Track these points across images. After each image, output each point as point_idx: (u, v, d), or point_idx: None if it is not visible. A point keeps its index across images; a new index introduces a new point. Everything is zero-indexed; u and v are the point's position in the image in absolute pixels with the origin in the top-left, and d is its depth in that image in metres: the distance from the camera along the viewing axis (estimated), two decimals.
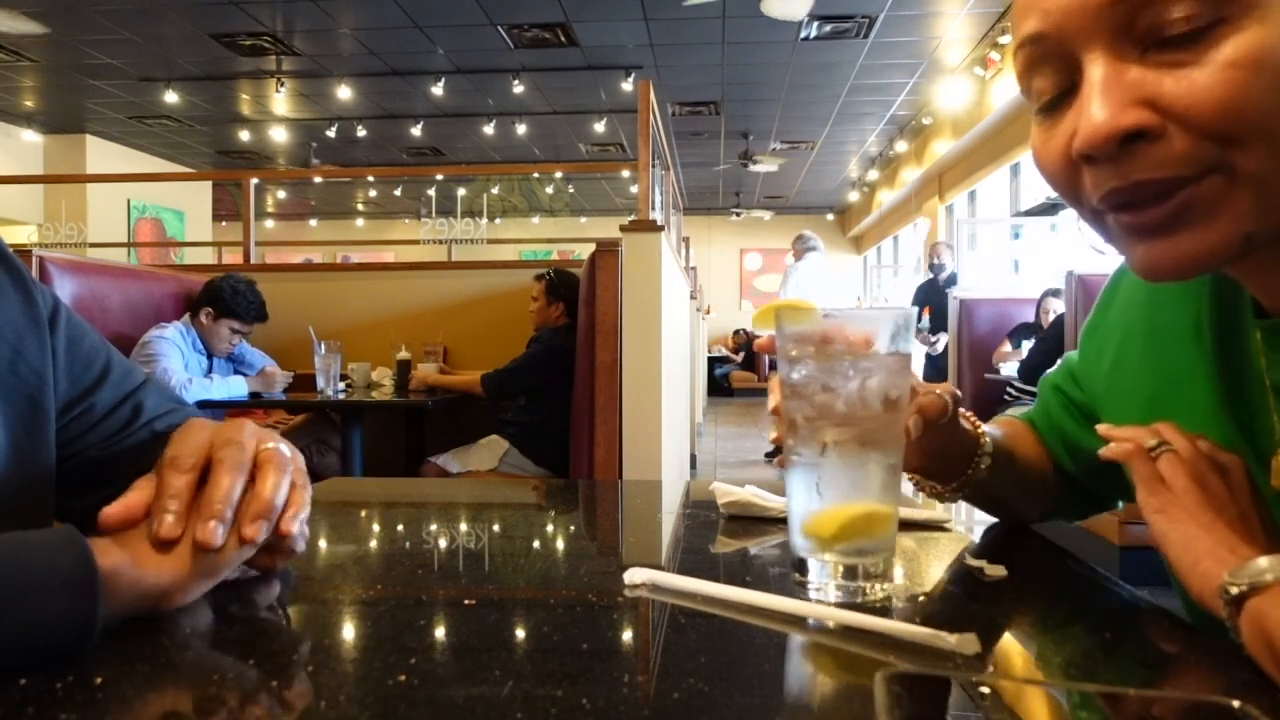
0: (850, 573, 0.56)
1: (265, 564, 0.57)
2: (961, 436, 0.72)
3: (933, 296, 6.77)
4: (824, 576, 0.57)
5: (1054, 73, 0.51)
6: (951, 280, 6.75)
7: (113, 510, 0.51)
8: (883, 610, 0.56)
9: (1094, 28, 0.47)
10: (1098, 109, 0.47)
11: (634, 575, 0.58)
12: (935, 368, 6.81)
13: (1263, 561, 0.48)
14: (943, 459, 0.73)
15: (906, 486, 0.80)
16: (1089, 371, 0.76)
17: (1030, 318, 4.90)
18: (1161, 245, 0.49)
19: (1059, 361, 0.83)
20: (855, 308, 0.63)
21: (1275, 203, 0.47)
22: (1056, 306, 4.67)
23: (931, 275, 6.96)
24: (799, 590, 0.58)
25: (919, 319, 6.77)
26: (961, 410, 0.72)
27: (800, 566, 0.58)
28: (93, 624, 0.44)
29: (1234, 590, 0.48)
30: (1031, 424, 0.84)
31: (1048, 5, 0.49)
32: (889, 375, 0.57)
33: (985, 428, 0.74)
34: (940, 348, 6.59)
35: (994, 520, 0.82)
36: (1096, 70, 0.47)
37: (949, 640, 0.46)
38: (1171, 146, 0.46)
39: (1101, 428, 0.61)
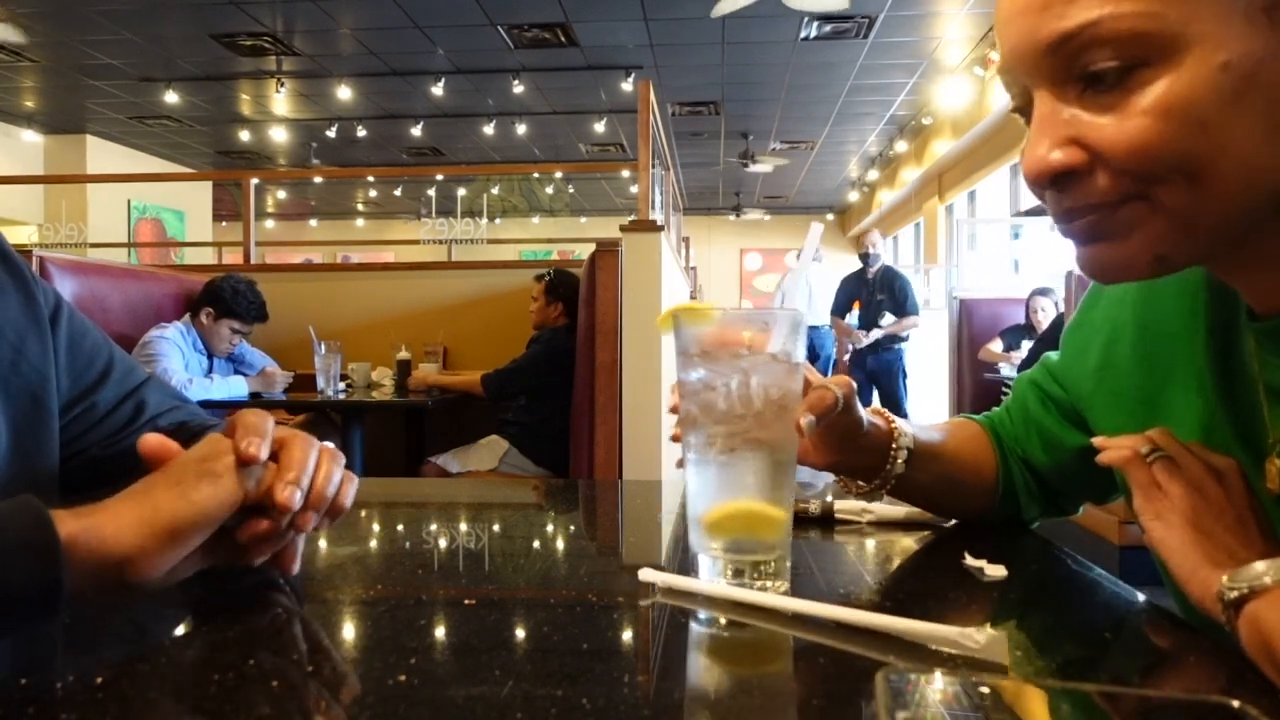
0: (739, 572, 0.57)
1: (262, 528, 0.53)
2: (872, 431, 0.73)
3: (861, 290, 6.15)
4: (714, 574, 0.58)
5: (1019, 96, 0.55)
6: (887, 273, 6.09)
7: (151, 438, 0.54)
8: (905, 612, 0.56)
9: (1037, 70, 0.51)
10: (1035, 146, 0.51)
11: (647, 575, 0.58)
12: (865, 370, 6.05)
13: (1260, 565, 0.48)
14: (854, 454, 0.73)
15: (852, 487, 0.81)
16: (1071, 370, 0.75)
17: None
18: (1088, 251, 0.54)
19: (1039, 360, 0.83)
20: (755, 309, 0.64)
21: (1192, 232, 0.50)
22: (1044, 305, 4.67)
23: (861, 266, 6.19)
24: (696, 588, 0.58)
25: (845, 313, 6.18)
26: (875, 407, 0.75)
27: (694, 561, 0.59)
28: (58, 588, 0.44)
29: (1232, 594, 0.48)
30: (989, 423, 0.84)
31: (1004, 48, 0.53)
32: (774, 375, 0.58)
33: (904, 425, 0.75)
34: (866, 343, 5.99)
35: (994, 520, 0.82)
36: (1041, 107, 0.52)
37: (977, 640, 0.45)
38: (1096, 182, 0.50)
39: (1098, 440, 0.61)
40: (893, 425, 0.74)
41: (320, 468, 0.56)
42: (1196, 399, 0.62)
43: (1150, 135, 0.47)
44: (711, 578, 0.58)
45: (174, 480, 0.51)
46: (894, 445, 0.74)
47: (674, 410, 0.64)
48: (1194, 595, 0.53)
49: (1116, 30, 0.46)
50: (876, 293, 6.03)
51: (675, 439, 0.63)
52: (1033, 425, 0.79)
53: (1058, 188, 0.52)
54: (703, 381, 0.58)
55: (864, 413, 0.71)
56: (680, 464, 0.63)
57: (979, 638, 0.45)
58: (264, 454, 0.53)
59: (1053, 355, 0.80)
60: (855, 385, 0.68)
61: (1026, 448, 0.80)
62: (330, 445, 0.59)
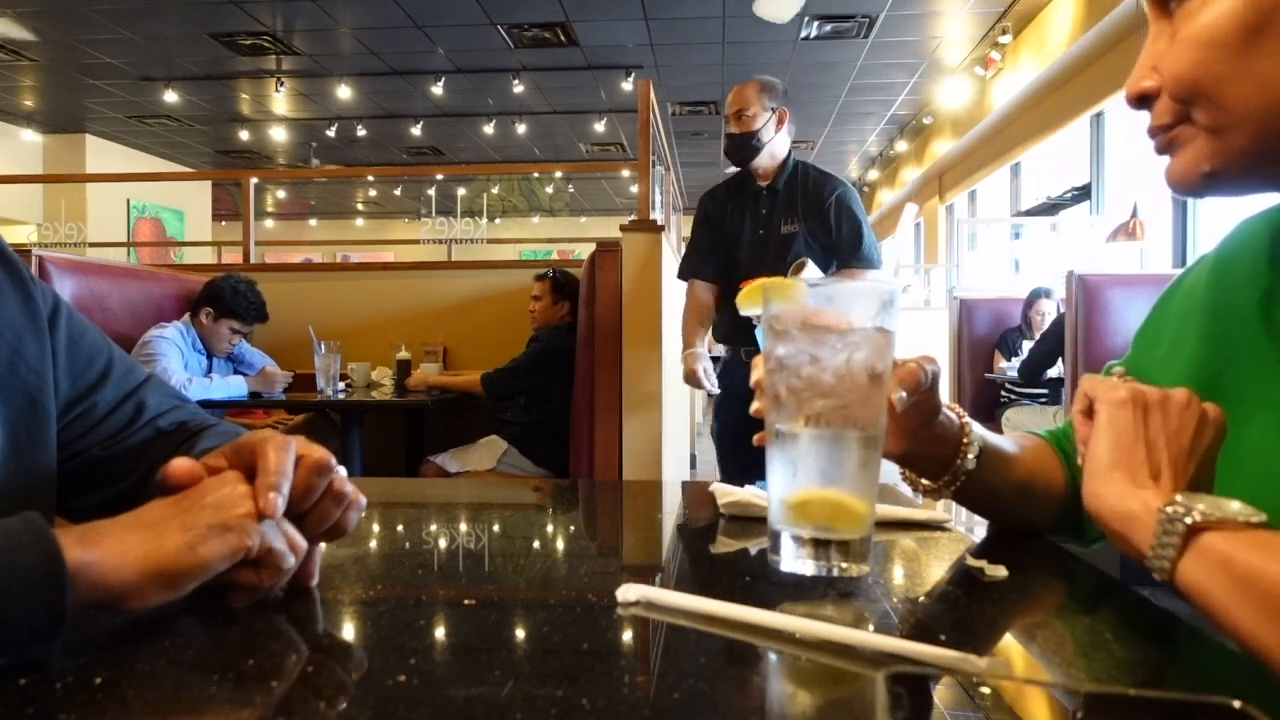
0: (824, 549, 0.57)
1: (250, 580, 0.53)
2: (945, 422, 0.71)
3: (740, 215, 2.68)
4: (798, 552, 0.57)
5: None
6: (805, 176, 2.64)
7: (181, 466, 0.54)
8: (893, 625, 0.56)
9: None
10: (1135, 70, 0.58)
11: (627, 592, 0.55)
12: (737, 397, 2.64)
13: (1234, 505, 0.49)
14: (926, 443, 0.71)
15: (899, 483, 0.80)
16: (1140, 362, 0.74)
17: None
18: (1166, 165, 0.59)
19: (1103, 368, 0.81)
20: (848, 282, 0.63)
21: (1229, 151, 0.54)
22: (1046, 308, 4.61)
23: (736, 164, 2.69)
24: (775, 565, 0.58)
25: (705, 272, 2.72)
26: (947, 403, 0.72)
27: (775, 541, 0.58)
28: (60, 619, 0.44)
29: (1195, 519, 0.49)
30: (1053, 439, 0.82)
31: None
32: (872, 350, 0.57)
33: (980, 430, 0.74)
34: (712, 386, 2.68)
35: (1046, 532, 0.80)
36: (1150, 33, 0.58)
37: (978, 665, 0.45)
38: (1166, 103, 0.57)
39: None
40: (964, 419, 0.73)
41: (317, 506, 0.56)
42: (1260, 377, 0.61)
43: (1182, 63, 0.54)
44: (794, 554, 0.57)
45: (186, 525, 0.50)
46: (965, 439, 0.72)
47: (757, 386, 0.63)
48: (1094, 485, 0.55)
49: None
50: (782, 217, 2.61)
51: (757, 414, 0.63)
52: None
53: (1146, 108, 0.58)
54: (805, 355, 0.58)
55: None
56: (759, 439, 0.62)
57: (980, 663, 0.45)
58: (282, 506, 0.53)
59: (1116, 363, 0.78)
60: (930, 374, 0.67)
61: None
62: (333, 468, 0.58)
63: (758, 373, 0.63)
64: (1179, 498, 0.50)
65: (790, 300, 0.59)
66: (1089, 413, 0.59)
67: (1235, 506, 0.49)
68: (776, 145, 2.64)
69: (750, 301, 0.63)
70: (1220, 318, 0.66)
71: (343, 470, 0.58)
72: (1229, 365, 0.64)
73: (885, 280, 2.08)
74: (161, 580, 0.48)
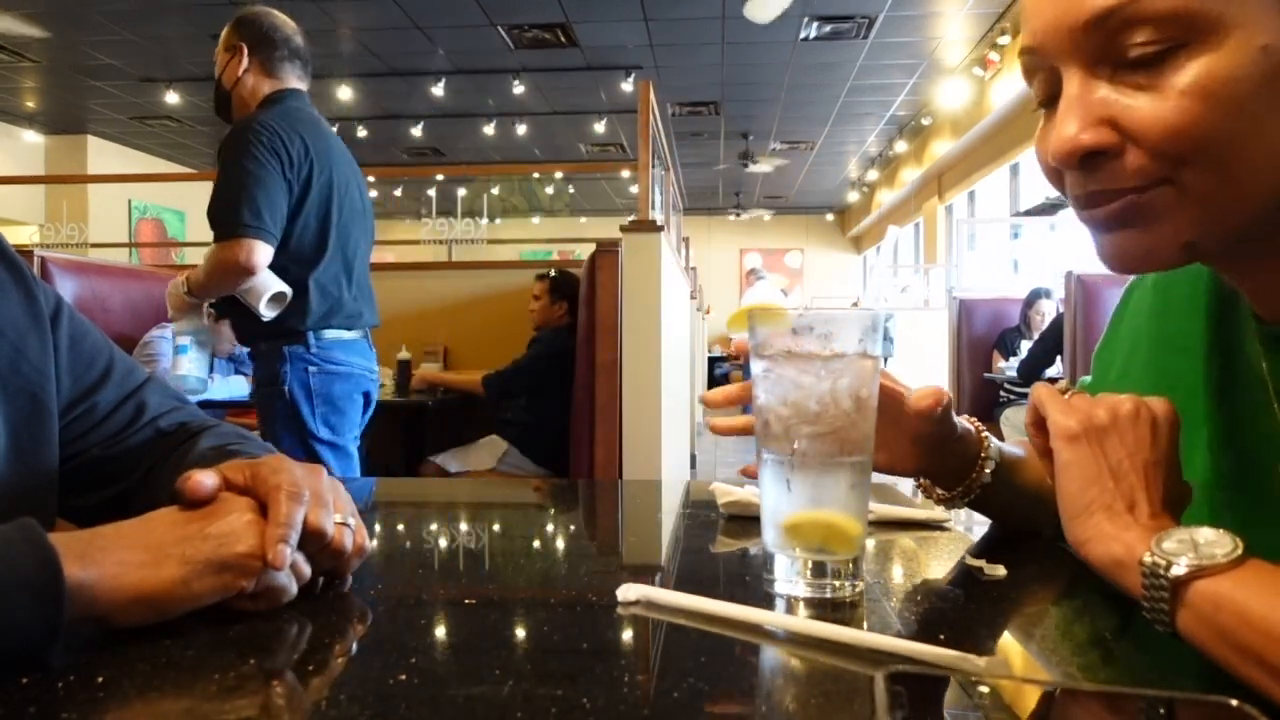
0: (819, 570, 0.57)
1: (246, 607, 0.53)
2: (963, 437, 0.73)
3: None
4: (793, 573, 0.58)
5: (1044, 80, 0.54)
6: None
7: (197, 481, 0.53)
8: (892, 625, 0.56)
9: (1071, 49, 0.50)
10: (1064, 125, 0.51)
11: (627, 592, 0.55)
12: None
13: (1208, 533, 0.47)
14: (944, 458, 0.73)
15: (898, 483, 0.80)
16: (1098, 387, 0.75)
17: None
18: (1113, 239, 0.53)
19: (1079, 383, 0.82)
20: (824, 310, 0.63)
21: (1218, 217, 0.49)
22: (1045, 308, 4.61)
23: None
24: (770, 588, 0.58)
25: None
26: (969, 417, 0.74)
27: (769, 563, 0.59)
28: (57, 630, 0.44)
29: (1177, 572, 0.46)
30: None
31: (1035, 25, 0.53)
32: (858, 376, 0.58)
33: (996, 442, 0.75)
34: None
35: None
36: (1070, 87, 0.51)
37: (978, 664, 0.45)
38: (1126, 162, 0.50)
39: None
40: (983, 436, 0.74)
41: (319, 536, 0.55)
42: (1198, 409, 0.62)
43: (1186, 116, 0.47)
44: (790, 577, 0.58)
45: (186, 556, 0.50)
46: (983, 454, 0.73)
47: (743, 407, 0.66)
48: (1074, 535, 0.54)
49: (1158, 8, 0.46)
50: None
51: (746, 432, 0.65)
52: None
53: (1085, 169, 0.51)
54: (790, 383, 0.58)
55: (960, 419, 0.73)
56: (744, 471, 0.64)
57: (980, 662, 0.45)
58: (289, 557, 0.52)
59: (1087, 379, 0.79)
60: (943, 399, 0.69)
61: None
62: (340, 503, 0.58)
63: (734, 390, 0.64)
64: (1154, 547, 0.48)
65: (774, 327, 0.59)
66: (1040, 425, 0.60)
67: (1211, 538, 0.47)
68: (247, 90, 2.07)
69: (737, 325, 0.64)
70: (1163, 349, 0.67)
71: (354, 521, 0.58)
72: (1173, 395, 0.64)
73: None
74: (151, 608, 0.49)
